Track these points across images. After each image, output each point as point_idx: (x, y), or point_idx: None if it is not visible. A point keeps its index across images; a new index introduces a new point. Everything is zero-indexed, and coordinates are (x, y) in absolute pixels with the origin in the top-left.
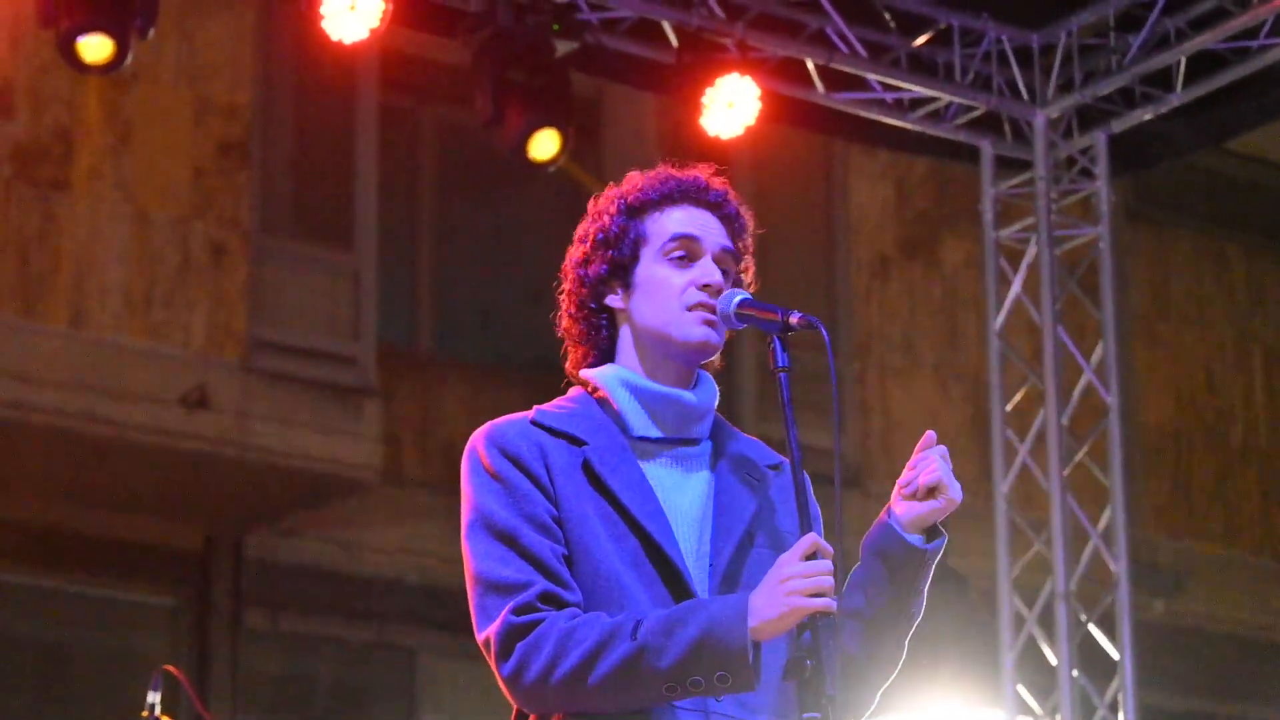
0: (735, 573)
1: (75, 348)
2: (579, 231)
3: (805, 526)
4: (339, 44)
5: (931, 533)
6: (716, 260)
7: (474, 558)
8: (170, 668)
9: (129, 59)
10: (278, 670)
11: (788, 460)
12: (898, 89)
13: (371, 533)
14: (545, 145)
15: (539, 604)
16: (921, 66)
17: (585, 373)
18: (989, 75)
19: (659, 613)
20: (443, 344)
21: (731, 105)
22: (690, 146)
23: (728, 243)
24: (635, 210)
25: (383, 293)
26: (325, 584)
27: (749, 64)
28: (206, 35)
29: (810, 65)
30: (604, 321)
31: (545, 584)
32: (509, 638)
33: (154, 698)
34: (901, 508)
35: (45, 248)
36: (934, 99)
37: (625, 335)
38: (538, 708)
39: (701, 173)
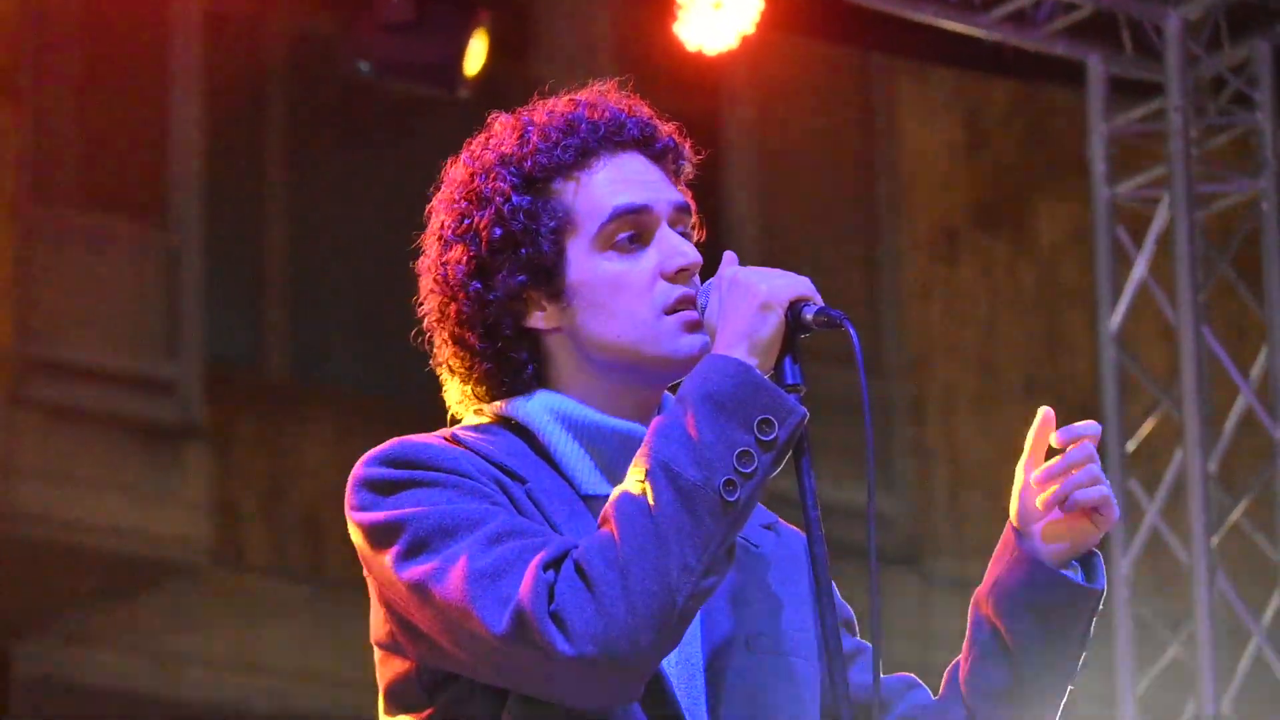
0: (739, 681)
1: None
2: (445, 216)
3: (826, 621)
4: None
5: (1086, 563)
6: (672, 225)
7: (430, 580)
8: None
9: None
10: None
11: (790, 527)
12: None
13: (198, 638)
14: (477, 55)
15: (556, 554)
16: None
17: (501, 406)
18: None
19: (643, 447)
20: (300, 364)
21: (719, 5)
22: (659, 65)
23: (676, 195)
24: (538, 182)
25: (213, 289)
26: (131, 711)
27: None
28: None
29: None
30: (525, 354)
31: (554, 540)
32: (542, 597)
33: None
34: (1042, 533)
35: None
36: None
37: (562, 363)
38: (635, 639)
39: (608, 96)
